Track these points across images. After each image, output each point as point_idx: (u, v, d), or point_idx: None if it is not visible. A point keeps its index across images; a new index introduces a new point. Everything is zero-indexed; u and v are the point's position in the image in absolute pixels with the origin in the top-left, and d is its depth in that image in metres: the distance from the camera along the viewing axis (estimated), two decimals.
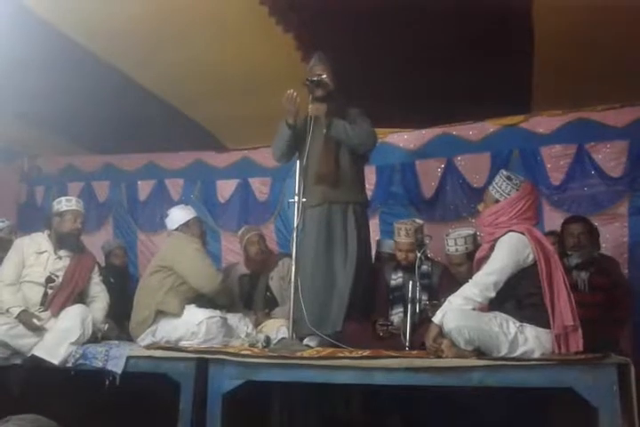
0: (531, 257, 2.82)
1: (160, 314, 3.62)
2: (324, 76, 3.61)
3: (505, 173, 3.06)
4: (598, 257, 3.88)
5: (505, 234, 2.89)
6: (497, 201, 3.00)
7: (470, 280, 2.87)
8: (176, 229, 3.96)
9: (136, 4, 3.42)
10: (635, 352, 3.59)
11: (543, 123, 4.71)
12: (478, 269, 2.95)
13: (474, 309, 2.80)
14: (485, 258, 2.94)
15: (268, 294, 4.25)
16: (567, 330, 2.69)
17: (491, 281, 2.80)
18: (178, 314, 3.59)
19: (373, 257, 4.08)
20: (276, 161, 3.97)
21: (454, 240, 3.59)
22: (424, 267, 3.65)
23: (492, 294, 2.81)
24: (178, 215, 4.00)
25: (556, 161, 4.63)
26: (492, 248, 2.93)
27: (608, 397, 2.55)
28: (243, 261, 4.50)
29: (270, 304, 4.19)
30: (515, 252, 2.83)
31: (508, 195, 2.96)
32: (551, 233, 4.01)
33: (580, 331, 2.70)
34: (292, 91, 3.47)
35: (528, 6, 3.37)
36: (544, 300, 2.75)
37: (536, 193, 3.11)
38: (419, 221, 3.82)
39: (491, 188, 3.07)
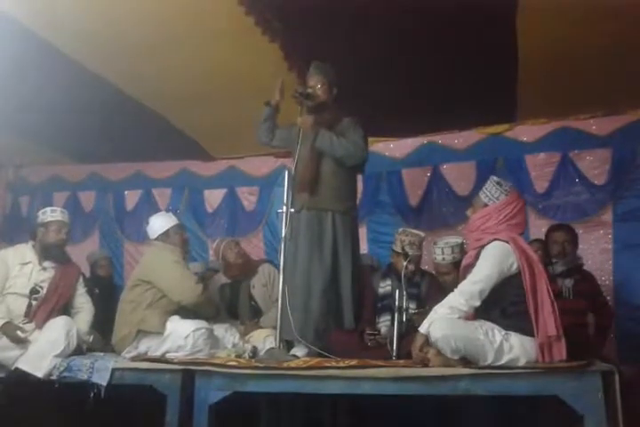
0: (515, 266, 2.84)
1: (141, 332, 3.57)
2: (318, 86, 3.63)
3: (495, 178, 3.08)
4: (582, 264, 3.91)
5: (490, 242, 2.91)
6: (485, 205, 3.02)
7: (455, 289, 2.88)
8: (156, 239, 3.90)
9: (123, 15, 3.44)
10: (619, 359, 3.63)
11: (527, 131, 4.77)
12: (464, 276, 2.96)
13: (459, 318, 2.81)
14: (471, 266, 2.95)
15: (252, 303, 4.20)
16: (550, 340, 2.69)
17: (476, 290, 2.81)
18: (159, 332, 3.53)
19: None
20: (260, 144, 3.95)
21: (441, 249, 3.60)
22: (415, 277, 3.66)
23: (478, 303, 2.82)
24: (157, 224, 3.92)
25: (541, 169, 4.69)
26: (477, 256, 2.94)
27: (593, 404, 2.56)
28: (222, 270, 4.44)
29: (256, 313, 4.16)
30: (499, 261, 2.84)
31: (497, 199, 2.98)
32: (535, 241, 4.04)
33: (563, 340, 2.70)
34: (281, 80, 3.68)
35: (512, 17, 3.41)
36: (528, 308, 2.76)
37: (523, 200, 3.13)
38: (420, 233, 3.81)
39: (480, 192, 3.08)
